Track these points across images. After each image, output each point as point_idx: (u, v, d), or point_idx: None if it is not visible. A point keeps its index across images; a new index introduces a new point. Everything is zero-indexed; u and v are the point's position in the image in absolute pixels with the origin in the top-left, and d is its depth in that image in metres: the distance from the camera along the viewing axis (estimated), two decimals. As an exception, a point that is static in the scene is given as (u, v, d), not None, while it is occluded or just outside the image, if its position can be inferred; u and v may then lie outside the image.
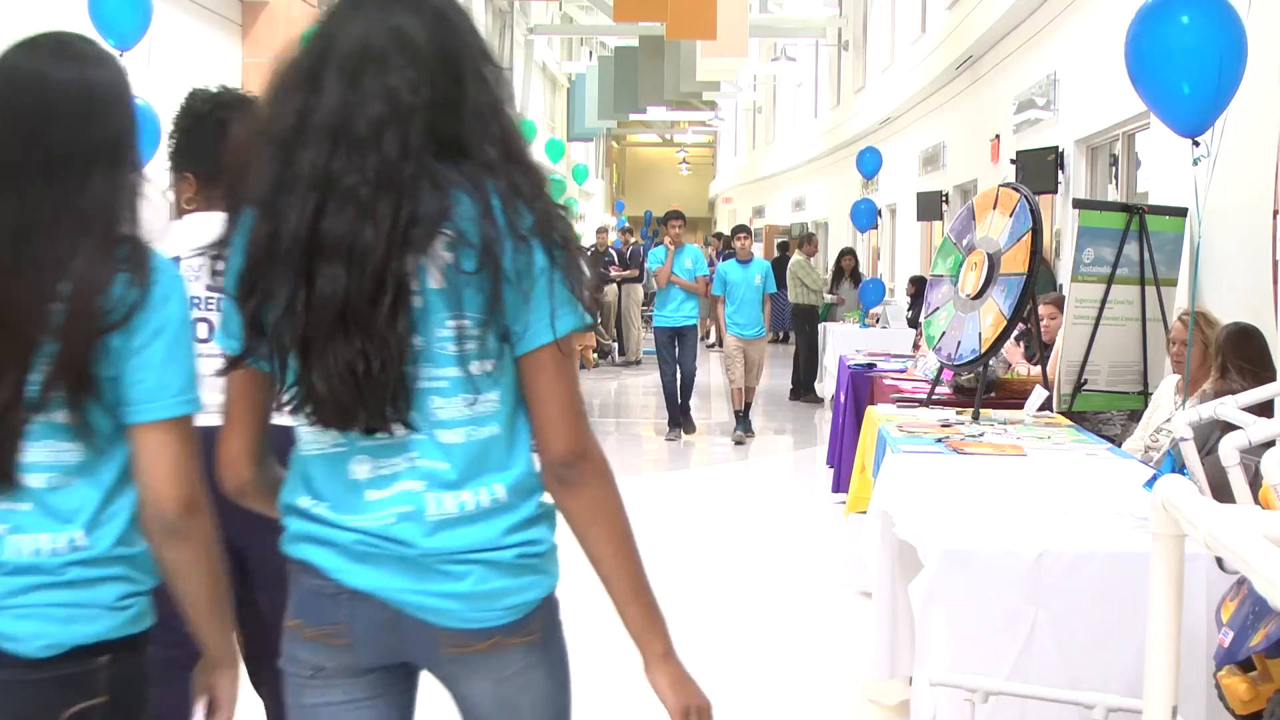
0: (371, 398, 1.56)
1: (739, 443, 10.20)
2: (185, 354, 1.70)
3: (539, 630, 1.71)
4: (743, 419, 10.42)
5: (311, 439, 1.66)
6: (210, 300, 2.56)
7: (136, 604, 1.71)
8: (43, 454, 1.65)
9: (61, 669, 1.64)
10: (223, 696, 1.84)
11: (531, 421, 1.65)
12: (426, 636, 1.64)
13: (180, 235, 2.60)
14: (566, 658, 1.81)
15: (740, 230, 10.74)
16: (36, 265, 1.62)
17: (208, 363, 1.82)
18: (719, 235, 23.83)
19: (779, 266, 18.27)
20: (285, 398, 1.62)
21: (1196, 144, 4.09)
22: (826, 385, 12.01)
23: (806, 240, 14.75)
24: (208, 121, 2.70)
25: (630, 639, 1.73)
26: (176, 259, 2.36)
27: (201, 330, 2.48)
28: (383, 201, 1.55)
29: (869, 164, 14.66)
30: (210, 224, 2.15)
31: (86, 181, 1.66)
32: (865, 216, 14.11)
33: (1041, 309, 6.55)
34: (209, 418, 1.79)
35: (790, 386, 13.47)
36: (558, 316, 1.60)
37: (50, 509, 1.65)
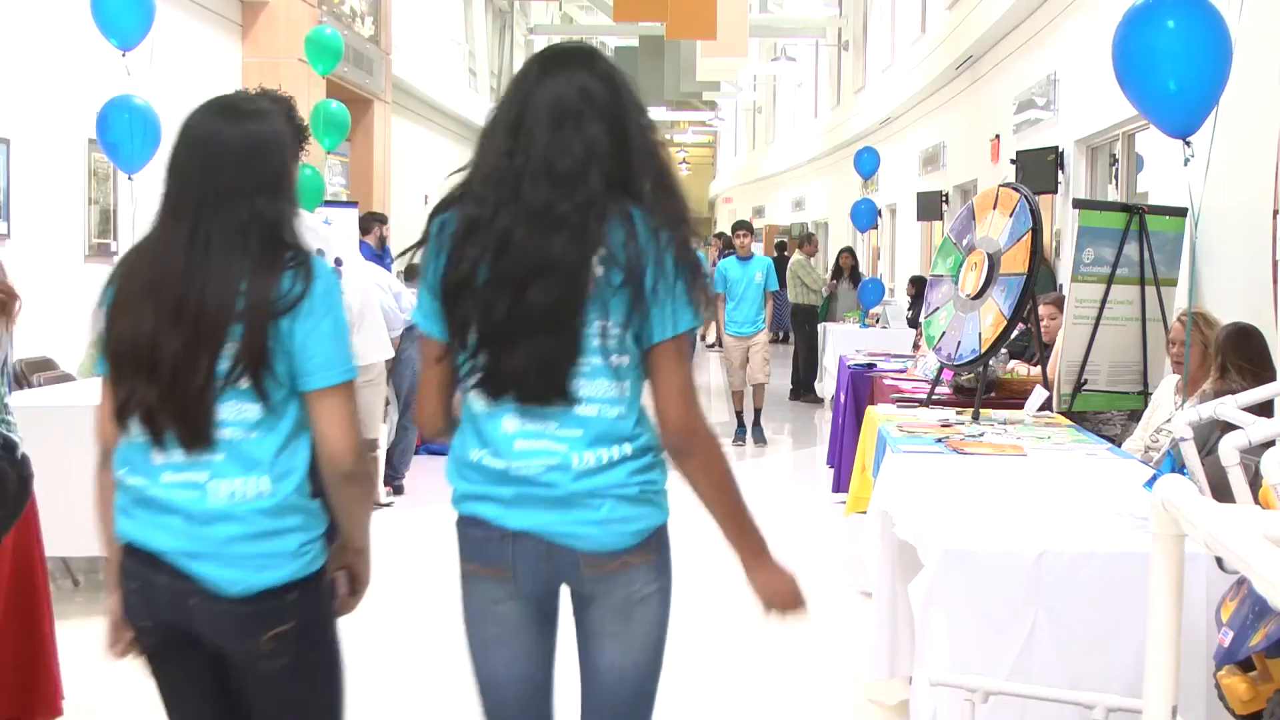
0: (552, 380, 2.04)
1: (759, 442, 10.08)
2: (345, 334, 2.14)
3: (656, 552, 2.18)
4: (755, 426, 10.22)
5: (481, 402, 2.11)
6: None
7: (312, 549, 2.15)
8: (230, 412, 2.08)
9: (258, 604, 2.09)
10: (361, 576, 2.32)
11: (654, 401, 2.10)
12: (570, 560, 2.11)
13: None
14: (671, 594, 2.22)
15: (740, 227, 10.53)
16: (221, 268, 2.08)
17: None
18: (720, 235, 23.82)
19: (778, 266, 18.27)
20: (466, 370, 2.09)
21: (1188, 144, 4.09)
22: (826, 385, 12.01)
23: (807, 240, 14.75)
24: None
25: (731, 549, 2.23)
26: None
27: None
28: (591, 227, 2.00)
29: (866, 164, 14.64)
30: None
31: (253, 206, 2.11)
32: (865, 216, 14.12)
33: (1041, 309, 6.55)
34: None
35: (790, 386, 13.47)
36: (679, 318, 2.06)
37: (240, 456, 2.08)
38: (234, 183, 2.12)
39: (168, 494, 2.11)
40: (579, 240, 2.00)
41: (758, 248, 11.85)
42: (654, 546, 2.18)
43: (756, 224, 31.04)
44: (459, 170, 2.14)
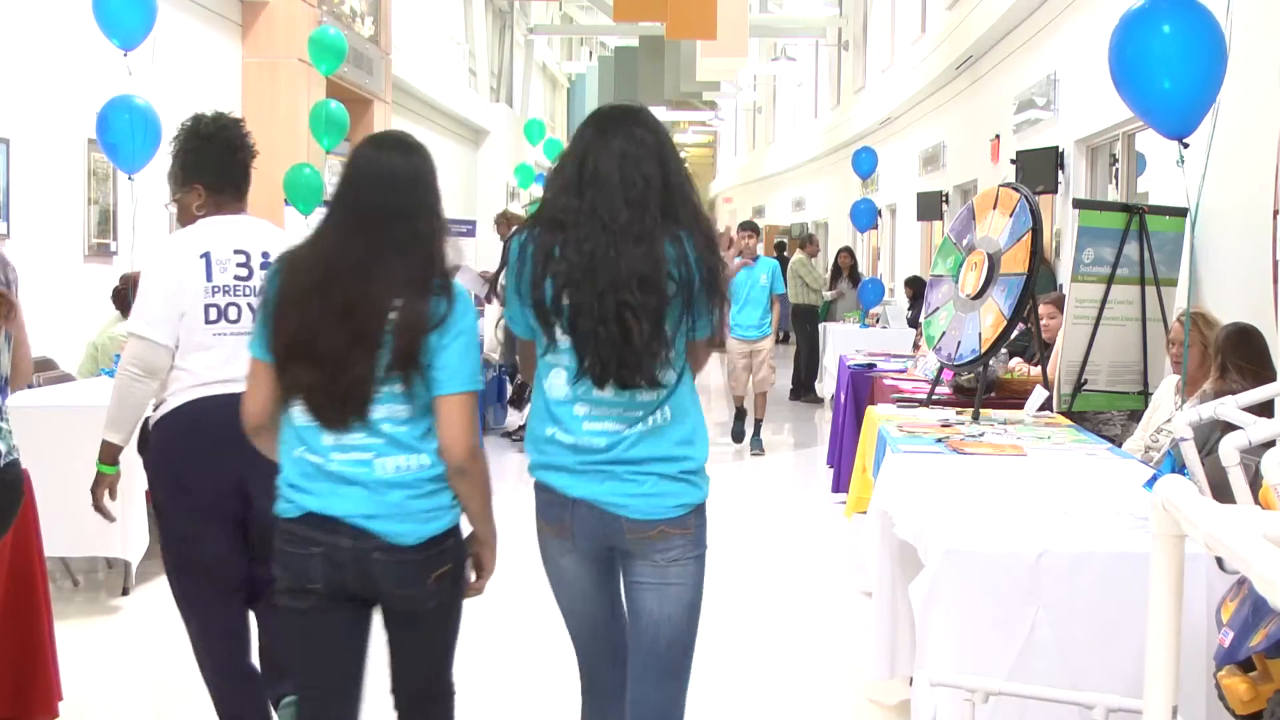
0: (632, 372, 2.48)
1: (756, 452, 9.82)
2: (475, 350, 2.54)
3: (693, 528, 2.60)
4: (754, 437, 9.91)
5: (561, 391, 2.56)
6: (239, 288, 3.31)
7: (459, 504, 2.59)
8: (384, 412, 2.48)
9: (426, 551, 2.53)
10: (487, 563, 2.67)
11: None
12: (616, 525, 2.56)
13: (205, 234, 3.35)
14: (705, 566, 2.65)
15: (745, 228, 10.09)
16: (381, 282, 2.46)
17: (238, 340, 3.11)
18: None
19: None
20: (560, 365, 2.56)
21: (1185, 145, 4.10)
22: (826, 385, 12.01)
23: (808, 241, 14.73)
24: (215, 141, 3.42)
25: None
26: (207, 254, 3.32)
27: (232, 313, 3.30)
28: (659, 243, 2.48)
29: (864, 164, 14.61)
30: (228, 226, 3.43)
31: (414, 226, 2.53)
32: (865, 216, 14.11)
33: (1041, 308, 6.55)
34: (235, 385, 2.89)
35: (790, 386, 13.47)
36: (701, 327, 2.57)
37: (396, 442, 2.49)
38: (401, 205, 2.54)
39: (342, 469, 2.50)
40: (653, 254, 2.48)
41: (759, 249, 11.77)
42: (690, 521, 2.59)
43: (756, 224, 31.16)
44: (533, 202, 2.72)
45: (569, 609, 2.79)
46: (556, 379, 2.57)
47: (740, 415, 10.13)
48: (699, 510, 2.60)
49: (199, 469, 3.29)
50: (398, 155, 2.59)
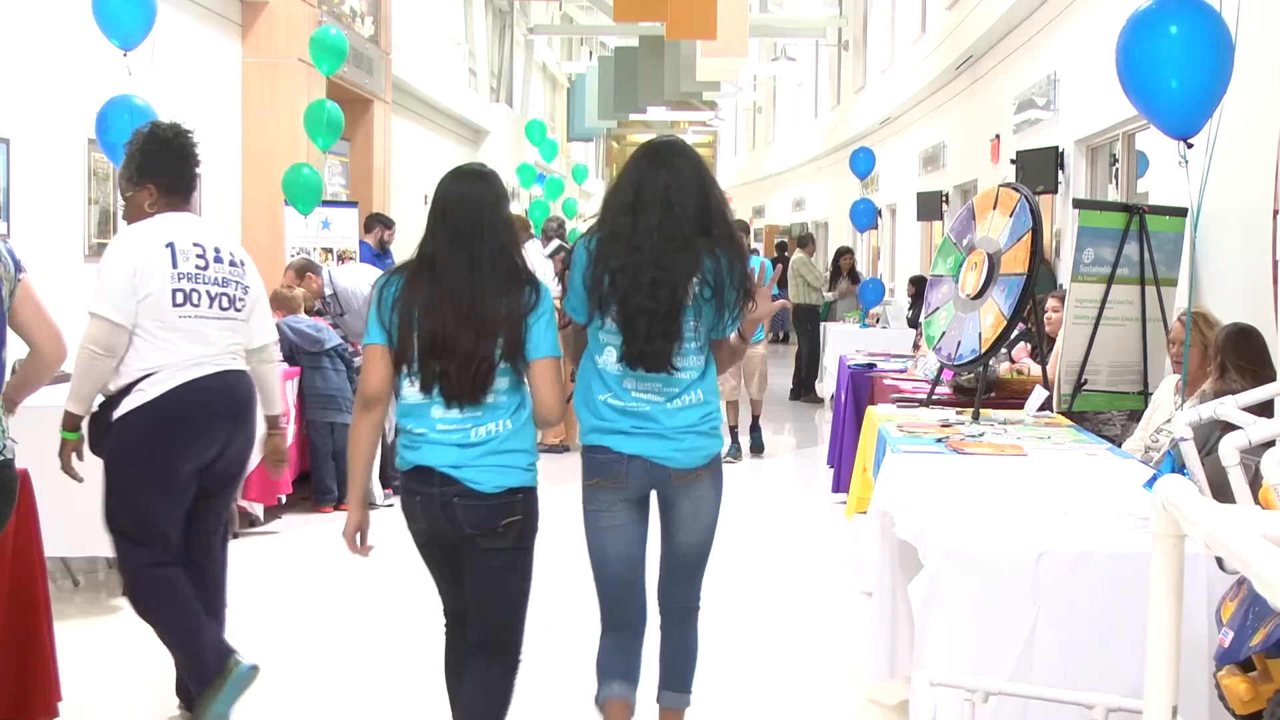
0: (666, 356, 3.21)
1: (756, 451, 9.57)
2: (554, 325, 3.19)
3: (715, 469, 3.40)
4: (753, 431, 9.59)
5: (612, 365, 3.28)
6: (200, 276, 3.76)
7: (533, 470, 3.21)
8: (494, 384, 3.11)
9: (500, 500, 3.13)
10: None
11: (717, 367, 3.39)
12: (664, 474, 3.30)
13: (166, 227, 3.80)
14: (722, 497, 3.44)
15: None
16: (492, 286, 3.12)
17: (203, 324, 3.78)
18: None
19: (778, 266, 18.22)
20: (608, 348, 3.29)
21: (1189, 144, 4.10)
22: (826, 385, 12.01)
23: (808, 240, 14.70)
24: (173, 145, 3.87)
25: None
26: (170, 244, 3.77)
27: (195, 298, 3.76)
28: (692, 257, 3.21)
29: (862, 164, 14.58)
30: (182, 221, 3.91)
31: (499, 240, 3.17)
32: (865, 216, 14.10)
33: (1049, 301, 6.55)
34: (206, 367, 3.76)
35: (791, 386, 13.47)
36: (729, 326, 3.34)
37: (492, 409, 3.13)
38: (485, 225, 3.16)
39: (442, 435, 3.14)
40: (686, 265, 3.20)
41: (758, 248, 11.75)
42: (713, 466, 3.39)
43: (756, 224, 31.15)
44: (594, 216, 3.44)
45: (611, 556, 3.40)
46: (609, 356, 3.30)
47: (733, 432, 9.41)
48: (718, 457, 3.41)
49: (183, 451, 3.69)
50: (476, 184, 3.24)
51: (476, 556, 3.18)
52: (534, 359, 3.14)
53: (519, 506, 3.15)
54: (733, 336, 3.37)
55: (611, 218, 3.28)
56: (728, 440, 9.40)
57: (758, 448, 9.68)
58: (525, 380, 3.16)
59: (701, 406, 3.31)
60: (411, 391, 3.16)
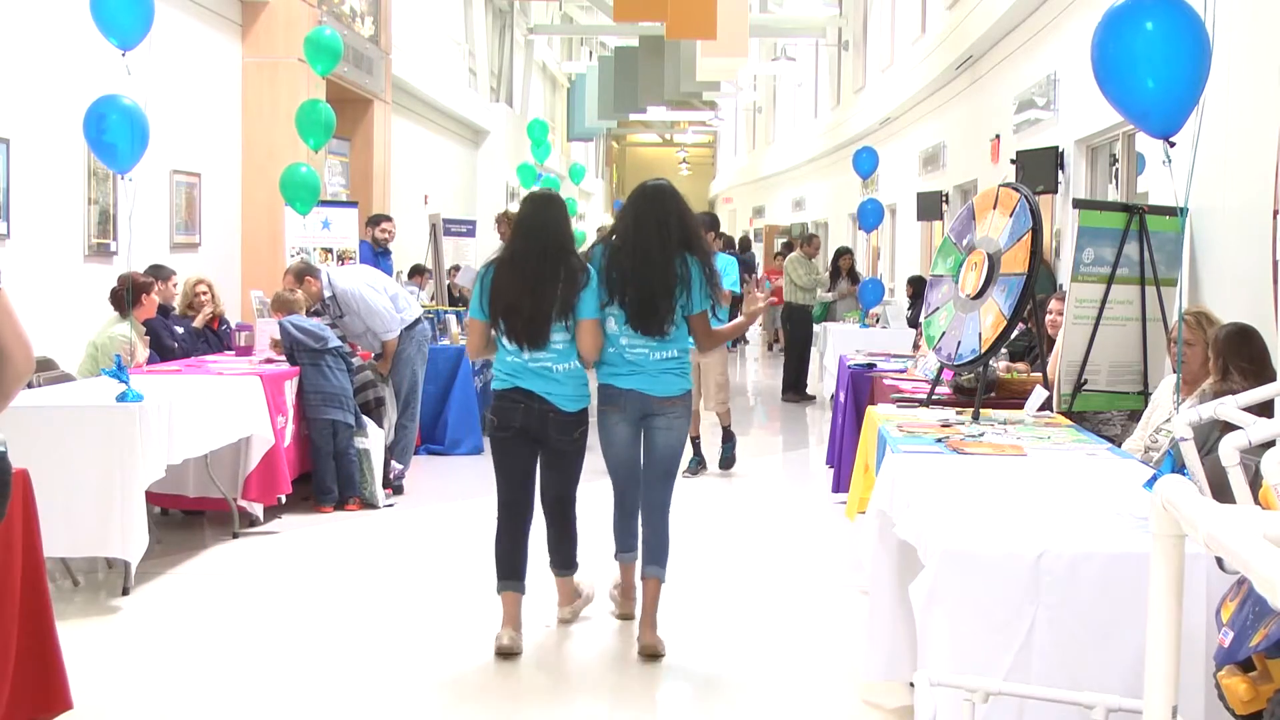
0: (660, 326, 4.65)
1: (726, 465, 8.73)
2: (596, 296, 4.64)
3: (685, 401, 4.80)
4: (725, 442, 8.72)
5: (613, 330, 4.71)
6: None
7: (589, 393, 4.77)
8: (556, 338, 4.63)
9: (574, 416, 4.72)
10: None
11: (693, 335, 4.80)
12: (648, 401, 4.71)
13: None
14: (689, 423, 4.92)
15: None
16: (551, 271, 4.60)
17: None
18: (719, 235, 23.75)
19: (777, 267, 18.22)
20: (612, 316, 4.70)
21: (1172, 144, 4.10)
22: (826, 385, 12.00)
23: (808, 241, 14.66)
24: None
25: None
26: None
27: None
28: (673, 260, 4.67)
29: (865, 164, 14.56)
30: None
31: (563, 247, 4.69)
32: (872, 216, 14.07)
33: (1052, 304, 6.54)
34: None
35: (781, 386, 13.48)
36: (701, 303, 4.71)
37: (561, 354, 4.64)
38: (553, 237, 4.71)
39: (536, 368, 4.67)
40: (667, 268, 4.65)
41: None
42: (683, 399, 4.81)
43: (756, 224, 31.15)
44: (608, 227, 5.16)
45: (618, 457, 4.86)
46: (613, 325, 4.73)
47: (695, 444, 8.58)
48: (688, 393, 4.83)
49: None
50: (548, 208, 4.82)
51: (554, 449, 4.79)
52: (580, 319, 4.65)
53: (583, 418, 4.79)
54: (699, 313, 4.76)
55: (620, 233, 4.81)
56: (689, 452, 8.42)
57: (726, 462, 8.76)
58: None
59: (676, 358, 4.76)
60: (505, 341, 4.70)
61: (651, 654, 4.62)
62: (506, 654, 4.59)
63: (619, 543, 4.99)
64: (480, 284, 4.69)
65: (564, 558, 4.96)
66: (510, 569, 4.73)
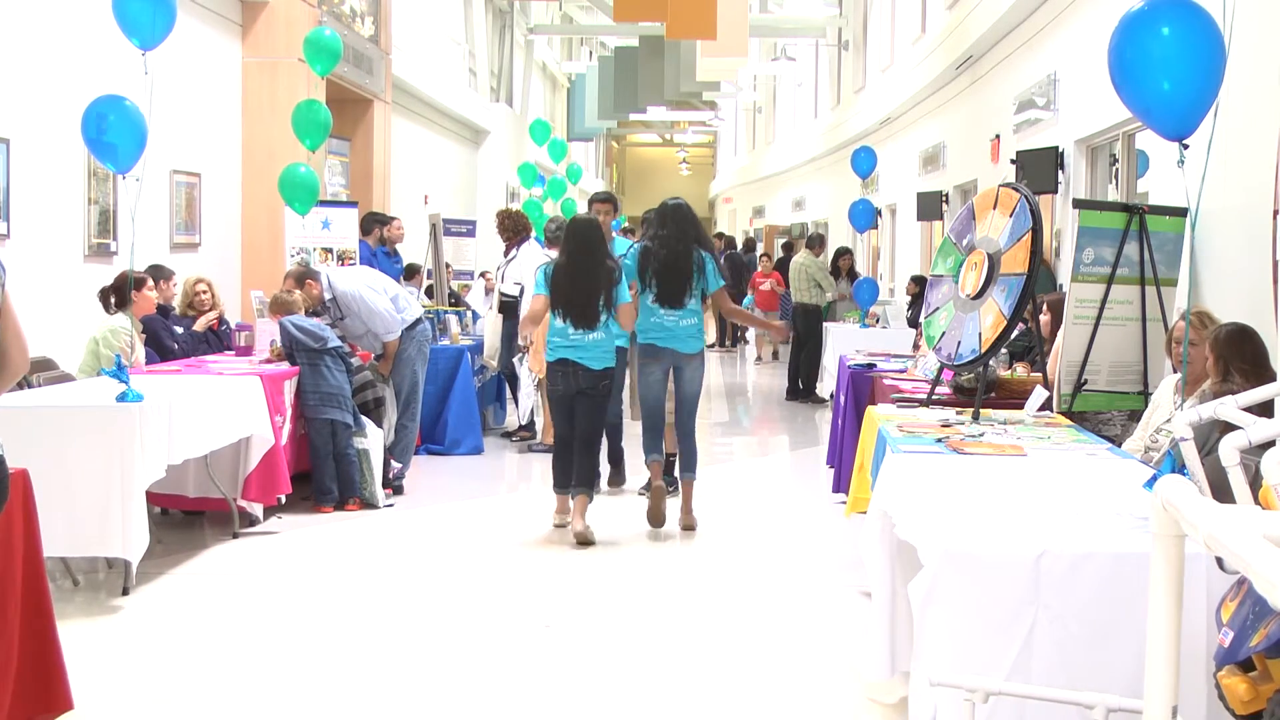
0: (681, 299, 6.75)
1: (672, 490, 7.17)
2: (625, 286, 6.61)
3: (701, 356, 6.93)
4: (671, 468, 7.21)
5: (650, 304, 6.74)
6: None
7: (614, 354, 6.73)
8: (602, 319, 6.57)
9: (603, 373, 6.63)
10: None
11: (718, 306, 7.34)
12: (680, 356, 6.80)
13: None
14: (704, 371, 7.08)
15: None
16: (597, 267, 6.56)
17: None
18: (720, 235, 23.78)
19: (780, 267, 18.17)
20: (648, 294, 6.76)
21: (1186, 146, 4.10)
22: (826, 385, 12.00)
23: (817, 242, 14.59)
24: None
25: None
26: None
27: None
28: (692, 254, 6.81)
29: (863, 164, 14.54)
30: None
31: (604, 255, 6.64)
32: (863, 217, 14.05)
33: (1043, 317, 6.54)
34: None
35: (786, 386, 13.45)
36: (715, 283, 6.88)
37: (602, 328, 6.58)
38: (597, 246, 6.58)
39: (579, 340, 6.50)
40: (688, 259, 6.72)
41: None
42: (700, 354, 6.83)
43: (756, 224, 31.17)
44: (647, 231, 7.03)
45: (653, 395, 6.79)
46: (648, 298, 6.68)
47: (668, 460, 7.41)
48: (703, 351, 6.84)
49: None
50: (592, 226, 6.67)
51: (586, 395, 6.57)
52: (617, 305, 6.50)
53: (610, 374, 6.63)
54: (718, 291, 6.90)
55: (651, 237, 6.82)
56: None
57: (615, 479, 7.98)
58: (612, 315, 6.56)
59: (695, 324, 6.76)
60: (558, 321, 6.53)
61: (688, 527, 6.74)
62: (582, 540, 6.39)
63: (649, 451, 6.79)
64: (544, 274, 6.56)
65: (585, 479, 6.56)
66: (563, 479, 6.65)
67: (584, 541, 6.35)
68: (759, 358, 18.51)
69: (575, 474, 6.54)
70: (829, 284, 13.67)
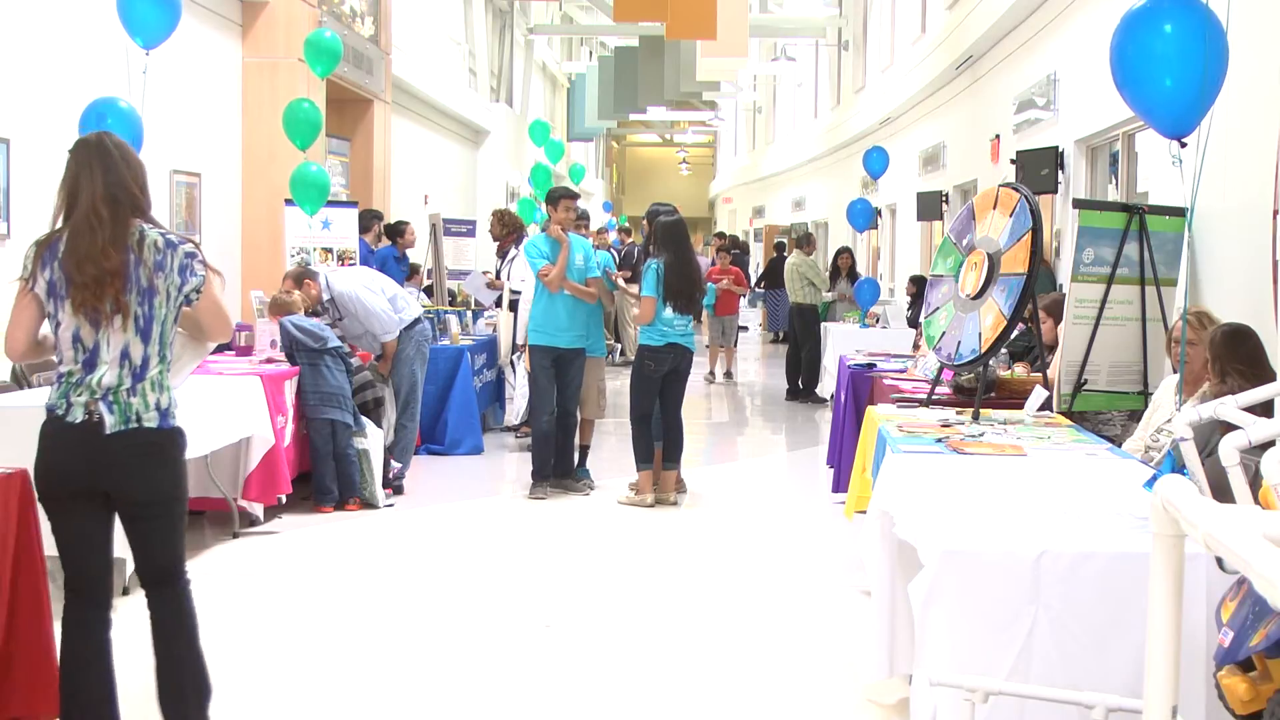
0: (697, 310, 7.80)
1: (584, 481, 7.96)
2: (655, 277, 7.52)
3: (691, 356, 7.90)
4: (580, 464, 8.02)
5: (667, 313, 7.43)
6: None
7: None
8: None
9: (692, 355, 7.79)
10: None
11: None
12: (686, 355, 7.64)
13: None
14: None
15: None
16: (695, 263, 7.96)
17: None
18: (720, 235, 23.78)
19: (775, 266, 18.17)
20: (668, 303, 7.48)
21: (1183, 144, 4.10)
22: (826, 385, 12.00)
23: (806, 240, 14.63)
24: None
25: None
26: None
27: None
28: (699, 270, 8.22)
29: (876, 163, 14.51)
30: None
31: (689, 244, 7.84)
32: (862, 217, 14.03)
33: (1043, 315, 6.54)
34: None
35: (787, 386, 13.45)
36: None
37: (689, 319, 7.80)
38: (689, 240, 7.87)
39: (684, 328, 7.55)
40: (699, 274, 7.93)
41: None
42: (691, 354, 7.78)
43: (756, 224, 31.17)
44: (659, 248, 7.59)
45: (650, 391, 7.45)
46: (667, 310, 7.35)
47: (583, 452, 8.14)
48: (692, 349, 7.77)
49: None
50: (685, 228, 7.69)
51: (677, 376, 7.52)
52: (644, 295, 7.45)
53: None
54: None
55: (669, 251, 7.47)
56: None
57: (580, 475, 8.02)
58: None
59: (692, 329, 7.60)
60: (667, 311, 7.34)
61: (679, 489, 7.66)
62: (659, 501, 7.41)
63: (645, 460, 7.46)
64: (655, 274, 7.31)
65: (671, 452, 7.56)
66: (646, 455, 7.43)
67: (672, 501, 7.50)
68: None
69: (649, 448, 7.47)
70: (822, 282, 13.65)
